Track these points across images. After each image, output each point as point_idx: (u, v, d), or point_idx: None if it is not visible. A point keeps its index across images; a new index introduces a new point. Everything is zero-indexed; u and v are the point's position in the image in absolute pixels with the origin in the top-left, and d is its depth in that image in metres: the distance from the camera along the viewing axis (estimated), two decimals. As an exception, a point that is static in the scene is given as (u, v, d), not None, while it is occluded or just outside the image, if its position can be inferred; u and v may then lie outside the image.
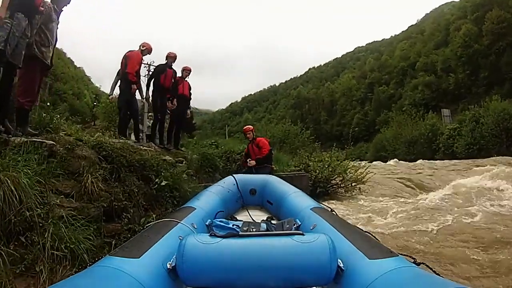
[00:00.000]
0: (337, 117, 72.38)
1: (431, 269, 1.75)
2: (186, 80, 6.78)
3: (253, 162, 5.88)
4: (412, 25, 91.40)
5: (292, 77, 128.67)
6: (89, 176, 2.85)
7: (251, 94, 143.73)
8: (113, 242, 2.74)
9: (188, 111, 7.12)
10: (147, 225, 2.26)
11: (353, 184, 8.46)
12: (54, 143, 2.87)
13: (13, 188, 2.12)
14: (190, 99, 7.02)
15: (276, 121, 23.30)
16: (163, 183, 3.65)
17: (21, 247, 2.09)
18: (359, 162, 10.18)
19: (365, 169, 8.90)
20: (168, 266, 1.67)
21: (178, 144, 6.70)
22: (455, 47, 49.17)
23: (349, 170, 8.66)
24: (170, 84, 6.38)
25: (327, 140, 15.00)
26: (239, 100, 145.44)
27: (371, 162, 17.52)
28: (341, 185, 8.42)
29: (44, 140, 2.82)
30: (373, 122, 59.22)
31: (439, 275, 1.62)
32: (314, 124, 65.26)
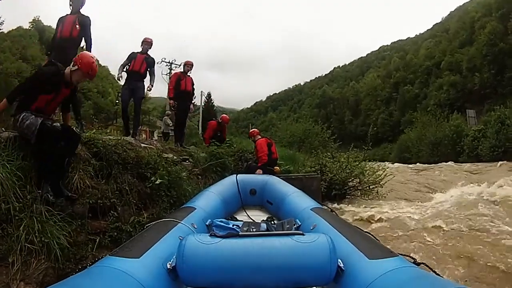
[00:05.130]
0: (361, 117, 71.17)
1: (431, 269, 1.72)
2: (189, 76, 6.73)
3: (260, 171, 5.72)
4: (436, 23, 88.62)
5: (317, 76, 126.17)
6: (77, 173, 2.86)
7: (276, 93, 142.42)
8: (97, 240, 2.75)
9: (191, 106, 7.14)
10: (147, 225, 2.27)
11: (370, 186, 8.25)
12: (43, 139, 2.90)
13: None
14: (193, 94, 7.07)
15: (301, 120, 23.02)
16: (157, 182, 3.57)
17: (-4, 238, 2.15)
18: (379, 164, 9.83)
19: (384, 171, 8.59)
20: (168, 266, 1.68)
21: (182, 141, 6.64)
22: (480, 46, 47.31)
23: (367, 172, 8.42)
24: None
25: (352, 140, 14.83)
26: (264, 99, 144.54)
27: (393, 163, 17.13)
28: (358, 188, 8.23)
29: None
30: (397, 123, 57.90)
31: (439, 275, 1.59)
32: (339, 124, 65.08)
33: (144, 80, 5.79)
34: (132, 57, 5.71)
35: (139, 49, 5.80)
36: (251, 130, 7.27)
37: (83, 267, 2.13)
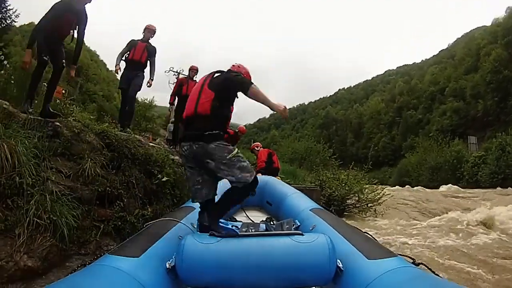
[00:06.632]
0: (363, 140, 71.61)
1: (429, 269, 1.71)
2: (194, 80, 6.48)
3: (260, 174, 5.82)
4: (442, 50, 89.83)
5: (322, 97, 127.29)
6: (89, 160, 2.91)
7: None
8: (102, 227, 2.78)
9: None
10: (147, 224, 2.26)
11: (368, 204, 8.31)
12: (59, 124, 2.92)
13: (8, 154, 2.22)
14: None
15: (302, 139, 23.29)
16: (164, 179, 3.61)
17: (6, 209, 2.18)
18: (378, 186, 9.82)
19: (382, 190, 8.72)
20: (168, 265, 1.69)
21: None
22: (485, 73, 47.74)
23: (366, 190, 8.51)
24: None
25: (352, 162, 14.66)
26: (267, 116, 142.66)
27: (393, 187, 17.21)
28: (357, 205, 8.28)
29: (50, 120, 2.90)
30: (399, 147, 58.05)
31: (437, 275, 1.59)
32: (340, 146, 65.76)
33: (144, 70, 5.35)
34: (132, 44, 5.31)
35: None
36: (252, 144, 7.31)
37: (85, 255, 2.13)
